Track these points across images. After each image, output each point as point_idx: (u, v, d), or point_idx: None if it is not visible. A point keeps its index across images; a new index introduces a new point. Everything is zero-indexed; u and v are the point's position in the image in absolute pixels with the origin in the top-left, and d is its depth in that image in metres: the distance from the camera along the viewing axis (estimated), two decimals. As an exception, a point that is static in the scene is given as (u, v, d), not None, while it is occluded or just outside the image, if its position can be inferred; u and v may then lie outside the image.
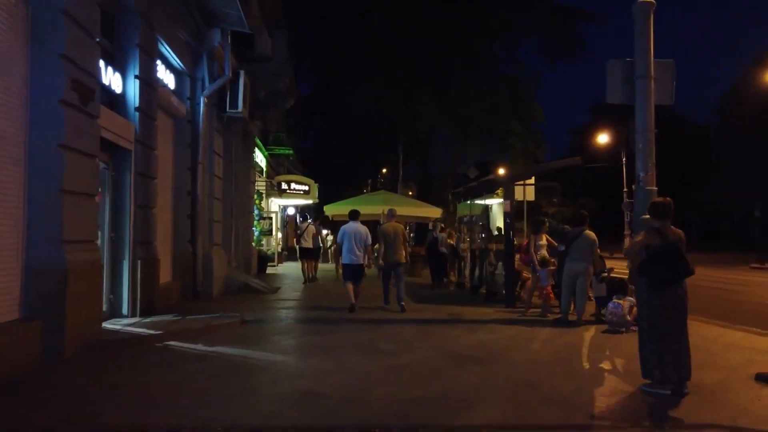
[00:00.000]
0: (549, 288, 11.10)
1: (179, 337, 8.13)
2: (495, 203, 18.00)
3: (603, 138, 37.35)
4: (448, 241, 17.52)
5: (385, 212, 12.90)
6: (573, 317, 10.05)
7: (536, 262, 11.08)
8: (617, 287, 9.75)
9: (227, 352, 7.44)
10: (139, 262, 9.41)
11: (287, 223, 24.27)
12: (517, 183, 12.24)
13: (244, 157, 18.12)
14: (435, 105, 24.31)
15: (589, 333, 9.30)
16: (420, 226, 30.14)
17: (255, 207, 22.30)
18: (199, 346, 7.68)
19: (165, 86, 11.56)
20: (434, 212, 23.97)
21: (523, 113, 23.40)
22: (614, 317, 9.40)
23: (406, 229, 19.83)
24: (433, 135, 26.49)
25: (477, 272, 14.98)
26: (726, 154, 45.45)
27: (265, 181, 24.28)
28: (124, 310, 9.31)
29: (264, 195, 25.15)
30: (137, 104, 9.51)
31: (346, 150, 43.85)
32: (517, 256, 12.33)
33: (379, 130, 35.53)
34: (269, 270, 21.81)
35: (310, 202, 28.37)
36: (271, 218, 23.72)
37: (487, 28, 24.28)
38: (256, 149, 21.76)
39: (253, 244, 22.43)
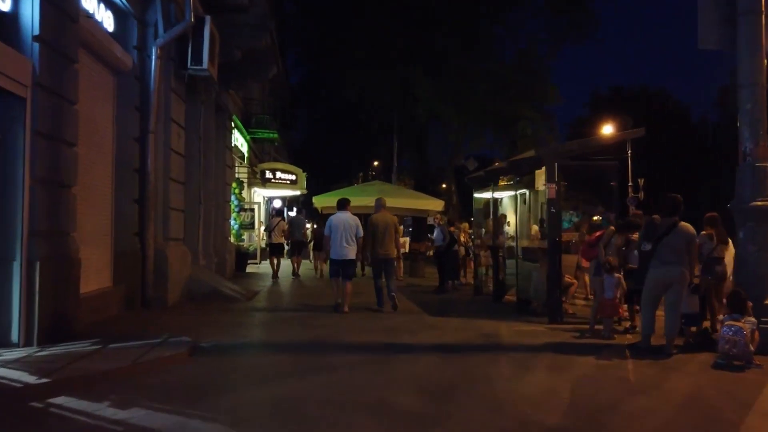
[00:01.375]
0: (616, 300, 7.99)
1: (79, 387, 4.90)
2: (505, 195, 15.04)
3: (607, 129, 34.26)
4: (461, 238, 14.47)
5: (382, 204, 10.61)
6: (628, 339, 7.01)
7: (611, 264, 7.99)
8: (736, 302, 6.61)
9: (147, 427, 4.20)
10: (37, 263, 6.15)
11: (272, 216, 21.05)
12: (564, 159, 9.12)
13: (218, 134, 14.83)
14: (433, 87, 21.12)
15: (701, 370, 6.18)
16: (417, 221, 27.10)
17: (234, 196, 19.02)
18: (104, 410, 4.45)
19: (98, 23, 8.29)
20: (435, 204, 20.78)
21: (535, 93, 20.29)
22: (733, 347, 6.29)
23: (401, 224, 16.78)
24: (431, 121, 23.30)
25: (497, 275, 11.85)
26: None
27: (247, 168, 20.99)
28: (14, 335, 6.05)
29: (245, 184, 21.87)
30: (37, 32, 6.24)
31: (337, 142, 40.61)
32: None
33: (372, 119, 32.27)
34: (250, 268, 18.56)
35: (297, 193, 25.08)
36: (253, 210, 20.47)
37: (491, 3, 21.21)
38: (236, 131, 18.49)
39: (231, 238, 19.17)
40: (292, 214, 43.07)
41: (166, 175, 9.94)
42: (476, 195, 13.58)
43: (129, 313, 8.85)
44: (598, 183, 10.19)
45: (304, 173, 24.36)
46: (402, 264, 16.27)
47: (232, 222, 19.01)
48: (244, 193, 21.69)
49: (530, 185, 11.90)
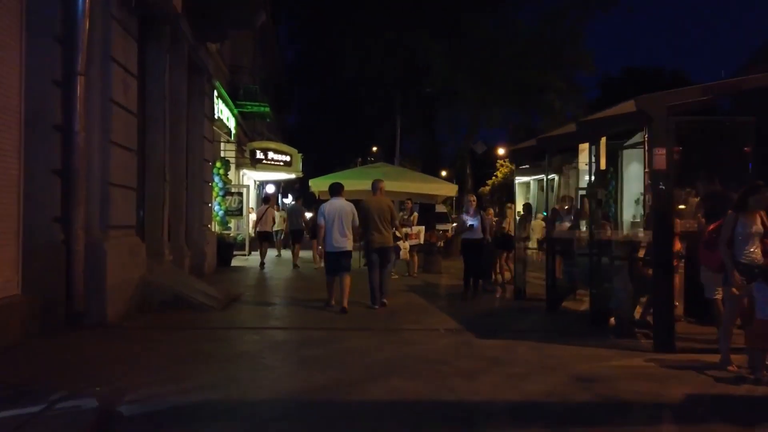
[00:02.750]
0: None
1: None
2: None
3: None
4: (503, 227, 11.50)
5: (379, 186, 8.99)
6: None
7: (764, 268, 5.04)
8: None
9: None
10: None
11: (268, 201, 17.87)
12: (680, 110, 6.13)
13: (193, 98, 11.71)
14: (446, 53, 17.98)
15: None
16: (423, 208, 24.16)
17: (218, 177, 15.94)
18: None
19: None
20: (447, 189, 17.80)
21: (565, 59, 17.21)
22: None
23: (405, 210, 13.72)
24: (441, 98, 20.14)
25: (552, 276, 8.87)
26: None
27: (235, 147, 17.86)
28: None
29: (233, 165, 18.77)
30: None
31: (334, 126, 37.51)
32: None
33: (373, 98, 29.21)
34: (237, 261, 15.53)
35: (292, 176, 22.01)
36: (241, 194, 17.39)
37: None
38: (219, 101, 15.37)
39: (215, 227, 16.08)
40: (287, 200, 40.10)
41: (103, 136, 6.83)
42: (518, 177, 10.59)
43: (40, 339, 5.80)
44: (722, 147, 7.17)
45: (300, 154, 21.26)
46: (416, 259, 13.27)
47: (216, 207, 15.96)
48: (231, 175, 18.59)
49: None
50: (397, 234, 12.29)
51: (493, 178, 42.16)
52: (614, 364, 5.45)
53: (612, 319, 7.20)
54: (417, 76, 21.63)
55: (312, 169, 30.56)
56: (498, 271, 11.74)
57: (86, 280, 6.47)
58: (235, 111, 18.02)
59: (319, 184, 17.23)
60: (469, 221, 9.69)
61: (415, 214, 13.24)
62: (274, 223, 16.74)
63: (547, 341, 6.36)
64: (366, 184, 14.66)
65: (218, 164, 15.98)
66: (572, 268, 8.42)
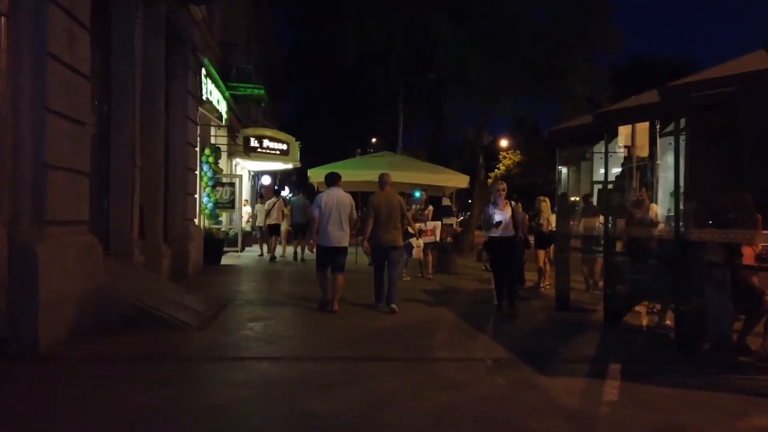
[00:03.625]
0: None
1: None
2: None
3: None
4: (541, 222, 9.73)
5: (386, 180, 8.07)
6: None
7: None
8: None
9: None
10: None
11: (262, 195, 16.10)
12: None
13: (173, 71, 9.87)
14: (457, 34, 16.12)
15: None
16: (430, 200, 22.39)
17: (207, 165, 14.11)
18: None
19: None
20: (458, 180, 16.03)
21: (592, 37, 15.37)
22: None
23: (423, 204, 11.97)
24: (451, 82, 18.30)
25: (612, 284, 7.11)
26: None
27: (226, 132, 16.00)
28: None
29: (225, 153, 16.91)
30: None
31: (333, 116, 35.62)
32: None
33: (374, 86, 27.36)
34: (228, 259, 13.71)
35: (289, 166, 20.13)
36: (233, 185, 15.54)
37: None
38: (208, 80, 13.50)
39: (202, 221, 14.27)
40: (285, 193, 38.23)
41: (36, 101, 4.99)
42: (560, 154, 8.79)
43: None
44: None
45: (298, 142, 19.40)
46: (431, 258, 11.47)
47: (205, 199, 14.13)
48: (223, 164, 16.75)
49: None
50: (410, 230, 10.61)
51: (496, 170, 40.45)
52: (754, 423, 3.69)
53: (706, 344, 5.45)
54: (423, 60, 19.82)
55: (309, 160, 28.75)
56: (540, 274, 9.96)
57: (10, 295, 4.67)
58: (227, 93, 16.13)
59: (318, 175, 15.44)
60: (497, 216, 7.76)
61: (430, 207, 11.45)
62: (284, 217, 15.34)
63: (636, 379, 4.60)
64: (369, 175, 13.00)
65: (207, 151, 14.14)
66: (642, 276, 6.64)
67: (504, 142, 38.02)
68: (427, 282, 10.82)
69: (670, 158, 8.58)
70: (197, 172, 11.77)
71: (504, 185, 8.05)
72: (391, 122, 28.67)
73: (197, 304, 7.09)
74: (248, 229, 19.42)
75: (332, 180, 7.59)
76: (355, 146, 37.55)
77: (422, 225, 11.13)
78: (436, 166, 17.54)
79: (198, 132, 14.03)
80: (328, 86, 34.10)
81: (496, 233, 7.84)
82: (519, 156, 38.64)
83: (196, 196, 12.67)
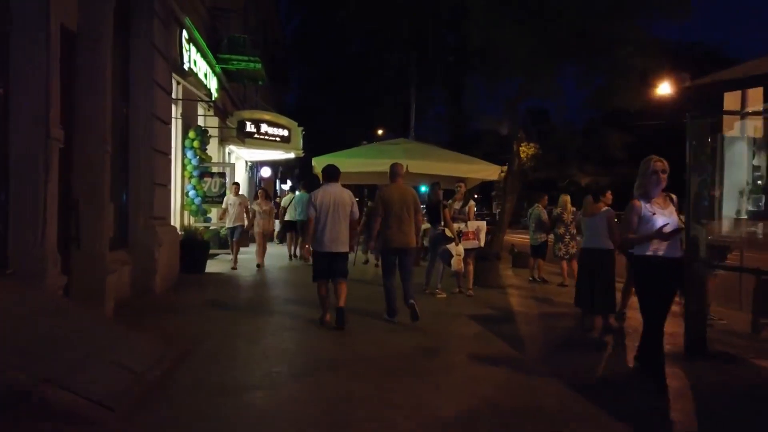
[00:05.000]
0: None
1: None
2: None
3: (664, 89, 26.58)
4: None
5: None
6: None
7: None
8: None
9: None
10: None
11: (261, 190, 13.32)
12: None
13: (129, 15, 7.08)
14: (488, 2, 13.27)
15: None
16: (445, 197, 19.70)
17: (191, 151, 11.33)
18: None
19: None
20: (491, 171, 13.21)
21: (655, 1, 12.51)
22: None
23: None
24: (477, 56, 15.43)
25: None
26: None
27: (217, 114, 13.16)
28: None
29: (216, 138, 14.10)
30: None
31: (338, 105, 32.78)
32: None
33: (384, 67, 24.57)
34: (216, 265, 10.92)
35: (291, 155, 17.28)
36: (223, 175, 12.74)
37: None
38: (192, 46, 10.69)
39: (186, 218, 11.53)
40: (287, 187, 35.35)
41: None
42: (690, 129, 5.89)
43: None
44: None
45: (301, 128, 16.56)
46: (472, 268, 8.62)
47: (191, 192, 11.36)
48: (213, 151, 13.96)
49: None
50: (447, 233, 7.86)
51: (505, 165, 37.58)
52: None
53: None
54: (442, 33, 17.02)
55: (313, 152, 25.84)
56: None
57: None
58: (218, 68, 13.30)
59: (324, 163, 12.74)
60: (659, 219, 4.21)
61: (472, 203, 8.64)
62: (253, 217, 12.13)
63: None
64: (383, 165, 10.46)
65: (192, 134, 11.37)
66: None
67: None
68: (468, 301, 8.03)
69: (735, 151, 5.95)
70: (172, 157, 8.95)
71: (664, 163, 4.56)
72: (402, 109, 25.90)
73: (139, 357, 4.32)
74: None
75: (331, 174, 6.35)
76: (362, 136, 34.73)
77: (463, 225, 8.35)
78: (462, 155, 14.73)
79: (179, 111, 11.29)
80: (332, 72, 31.31)
81: (655, 250, 4.23)
82: (533, 148, 35.73)
83: (171, 187, 9.92)
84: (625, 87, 13.50)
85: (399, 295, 6.45)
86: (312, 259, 6.24)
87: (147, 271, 7.42)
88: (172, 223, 10.85)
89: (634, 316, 7.01)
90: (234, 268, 10.69)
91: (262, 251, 11.50)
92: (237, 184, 11.42)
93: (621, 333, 6.34)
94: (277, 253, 14.28)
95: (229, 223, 10.99)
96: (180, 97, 11.29)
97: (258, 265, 11.12)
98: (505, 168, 13.39)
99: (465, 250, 8.23)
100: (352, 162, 13.40)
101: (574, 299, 6.80)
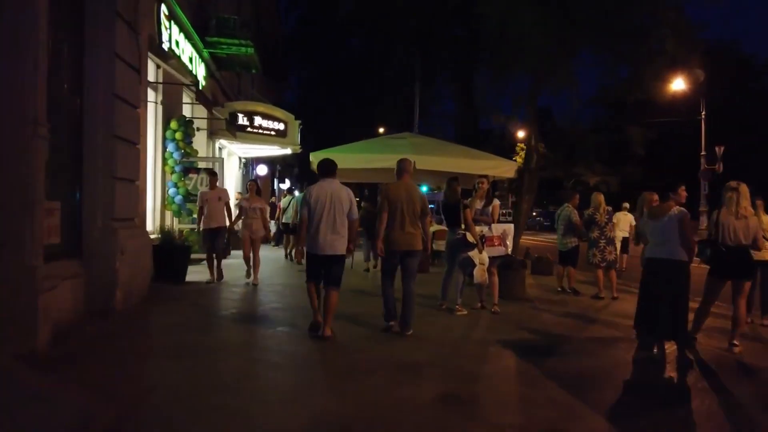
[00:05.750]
0: None
1: None
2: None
3: (678, 84, 25.08)
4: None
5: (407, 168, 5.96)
6: None
7: None
8: None
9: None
10: None
11: (251, 182, 12.01)
12: None
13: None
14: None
15: None
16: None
17: (172, 144, 9.91)
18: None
19: None
20: (506, 168, 11.74)
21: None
22: None
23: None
24: (490, 43, 13.96)
25: None
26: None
27: (206, 101, 11.69)
28: None
29: (205, 132, 12.65)
30: None
31: (337, 104, 31.35)
32: None
33: (386, 59, 23.10)
34: (197, 274, 9.39)
35: (287, 151, 15.80)
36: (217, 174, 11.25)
37: None
38: (173, 24, 9.26)
39: (173, 219, 10.14)
40: (285, 186, 33.87)
41: None
42: None
43: None
44: None
45: (298, 121, 15.10)
46: (497, 279, 7.12)
47: (171, 190, 9.92)
48: (202, 145, 12.51)
49: None
50: (469, 238, 6.43)
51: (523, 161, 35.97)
52: None
53: None
54: (449, 21, 15.56)
55: (312, 149, 24.34)
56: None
57: None
58: (206, 52, 11.87)
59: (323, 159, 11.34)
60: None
61: (497, 202, 7.17)
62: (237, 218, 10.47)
63: None
64: (389, 160, 9.26)
65: (174, 124, 9.94)
66: None
67: (521, 133, 33.77)
68: (495, 320, 6.58)
69: None
70: (148, 149, 7.46)
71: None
72: (405, 107, 24.46)
73: (53, 426, 2.87)
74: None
75: (326, 169, 5.68)
76: (363, 135, 33.28)
77: (485, 229, 6.90)
78: (474, 150, 13.29)
79: (159, 97, 9.85)
80: (332, 68, 29.86)
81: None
82: (540, 147, 34.31)
83: (150, 183, 8.52)
84: (653, 76, 12.09)
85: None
86: (306, 261, 5.64)
87: (105, 285, 5.97)
88: (152, 226, 9.44)
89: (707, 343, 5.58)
90: (211, 281, 8.53)
91: (254, 260, 8.72)
92: (214, 174, 9.10)
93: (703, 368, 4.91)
94: (274, 257, 12.84)
95: (204, 226, 8.55)
96: (156, 78, 9.85)
97: (248, 282, 8.64)
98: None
99: (489, 258, 6.78)
100: (353, 158, 11.95)
101: (634, 321, 5.37)
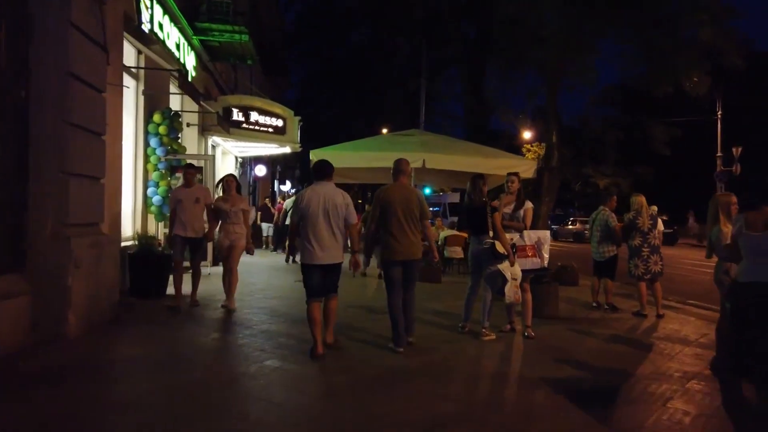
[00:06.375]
0: None
1: None
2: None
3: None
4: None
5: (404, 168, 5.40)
6: None
7: None
8: None
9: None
10: None
11: (229, 176, 11.00)
12: None
13: None
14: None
15: None
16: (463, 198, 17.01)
17: (155, 139, 8.74)
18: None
19: None
20: (525, 167, 10.50)
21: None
22: None
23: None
24: (505, 32, 12.78)
25: None
26: None
27: (180, 83, 10.47)
28: None
29: (196, 127, 11.47)
30: None
31: (339, 102, 30.23)
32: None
33: (391, 58, 21.99)
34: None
35: (286, 149, 14.59)
36: (200, 169, 10.07)
37: None
38: (154, 2, 8.09)
39: (154, 222, 8.96)
40: (285, 188, 32.69)
41: None
42: None
43: None
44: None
45: (298, 117, 13.91)
46: (530, 297, 5.92)
47: (150, 190, 8.74)
48: (191, 142, 11.34)
49: None
50: (498, 248, 5.25)
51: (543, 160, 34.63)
52: None
53: None
54: (459, 8, 14.40)
55: (312, 148, 23.03)
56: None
57: None
58: (196, 40, 10.69)
59: (324, 156, 10.18)
60: None
61: (529, 204, 5.95)
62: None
63: None
64: (387, 161, 7.97)
65: (157, 117, 8.78)
66: None
67: (527, 134, 32.54)
68: (531, 347, 5.37)
69: None
70: (105, 138, 6.24)
71: None
72: (409, 106, 23.30)
73: None
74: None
75: (321, 171, 5.02)
76: (366, 134, 32.08)
77: (516, 237, 5.70)
78: (488, 148, 12.11)
79: (140, 87, 8.69)
80: (335, 65, 28.71)
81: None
82: (545, 149, 33.13)
83: (127, 182, 7.34)
84: (688, 65, 10.90)
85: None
86: (302, 275, 4.90)
87: (54, 306, 4.79)
88: (132, 231, 8.27)
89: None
90: (174, 306, 6.44)
91: (230, 277, 6.59)
92: (191, 167, 7.28)
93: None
94: (269, 263, 11.68)
95: (177, 232, 6.61)
96: (143, 71, 8.68)
97: (224, 306, 6.62)
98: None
99: (522, 271, 5.59)
100: (357, 156, 10.79)
101: (715, 359, 4.17)
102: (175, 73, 7.91)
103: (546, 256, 5.85)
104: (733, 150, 22.95)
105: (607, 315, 7.10)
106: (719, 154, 23.92)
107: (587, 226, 10.11)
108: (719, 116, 23.86)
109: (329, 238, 4.79)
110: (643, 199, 7.05)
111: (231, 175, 6.87)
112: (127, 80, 8.45)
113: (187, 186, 6.93)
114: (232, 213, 6.58)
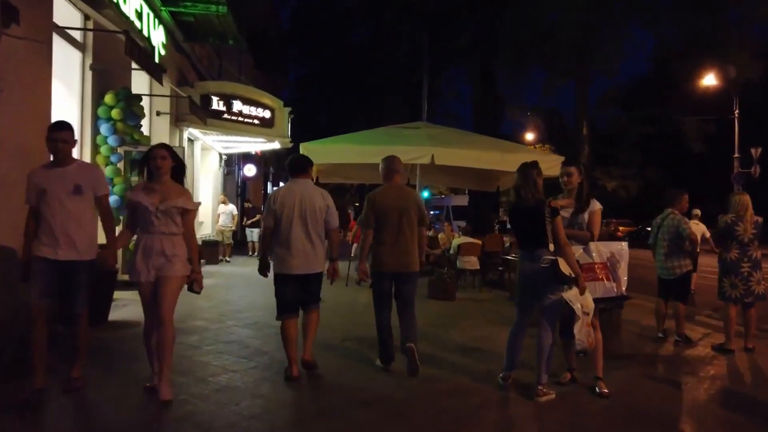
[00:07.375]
0: None
1: None
2: None
3: (709, 80, 22.15)
4: None
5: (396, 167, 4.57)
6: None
7: None
8: None
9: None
10: None
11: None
12: None
13: None
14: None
15: None
16: (474, 201, 15.44)
17: (107, 125, 6.98)
18: None
19: None
20: (547, 164, 8.49)
21: None
22: None
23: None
24: (523, 20, 11.05)
25: None
26: None
27: (128, 47, 8.68)
28: None
29: (168, 117, 9.70)
30: None
31: (337, 100, 28.48)
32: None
33: (392, 53, 20.30)
34: (129, 307, 6.33)
35: (275, 144, 12.79)
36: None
37: None
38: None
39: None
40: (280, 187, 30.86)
41: None
42: None
43: None
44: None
45: (288, 108, 12.11)
46: (601, 336, 4.18)
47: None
48: (163, 134, 9.54)
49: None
50: (563, 267, 3.43)
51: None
52: None
53: None
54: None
55: (311, 152, 21.11)
56: None
57: None
58: (165, 12, 8.88)
59: (318, 153, 8.56)
60: None
61: (597, 206, 4.20)
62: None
63: None
64: (404, 153, 6.83)
65: (109, 98, 7.04)
66: None
67: (530, 135, 30.92)
68: (609, 410, 3.60)
69: None
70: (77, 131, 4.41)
71: None
72: (410, 102, 21.58)
73: None
74: (219, 238, 12.37)
75: (297, 166, 4.24)
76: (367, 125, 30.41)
77: (580, 251, 3.93)
78: (504, 141, 10.41)
79: (88, 60, 6.92)
80: (333, 63, 26.95)
81: None
82: (548, 150, 31.60)
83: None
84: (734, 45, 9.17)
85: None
86: (274, 285, 4.15)
87: None
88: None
89: None
90: (151, 386, 3.66)
91: (161, 338, 3.58)
92: (159, 158, 3.81)
93: None
94: (247, 274, 9.91)
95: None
96: (90, 40, 6.91)
97: (151, 388, 3.67)
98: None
99: (595, 300, 3.82)
100: (356, 150, 9.04)
101: None
102: (122, 36, 6.09)
103: (624, 278, 4.06)
104: (752, 151, 21.32)
105: (684, 351, 5.33)
106: (736, 155, 22.26)
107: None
108: (736, 115, 22.19)
109: (306, 244, 4.08)
110: (748, 200, 5.25)
111: (163, 146, 3.77)
112: (70, 51, 6.71)
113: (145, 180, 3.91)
114: (158, 214, 3.57)
